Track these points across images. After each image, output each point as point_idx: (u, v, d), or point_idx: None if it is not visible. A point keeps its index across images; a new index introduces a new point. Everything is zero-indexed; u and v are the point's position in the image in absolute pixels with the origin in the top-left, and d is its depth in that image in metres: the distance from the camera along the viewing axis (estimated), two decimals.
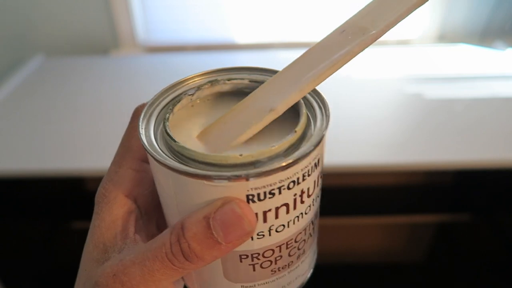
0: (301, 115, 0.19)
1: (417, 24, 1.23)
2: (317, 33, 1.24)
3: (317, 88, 0.21)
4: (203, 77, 0.23)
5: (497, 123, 0.81)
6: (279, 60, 1.09)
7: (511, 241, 0.95)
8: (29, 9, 1.17)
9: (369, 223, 1.19)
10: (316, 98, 0.21)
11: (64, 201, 1.06)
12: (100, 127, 0.81)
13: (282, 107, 0.19)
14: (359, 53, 0.19)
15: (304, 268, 0.23)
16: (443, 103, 0.89)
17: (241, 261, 0.20)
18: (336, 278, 1.17)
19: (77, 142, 0.78)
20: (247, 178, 0.16)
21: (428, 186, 1.12)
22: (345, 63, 0.19)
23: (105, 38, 1.23)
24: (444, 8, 1.19)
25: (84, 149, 0.76)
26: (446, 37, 1.23)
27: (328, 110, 0.20)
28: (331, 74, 0.19)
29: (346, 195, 1.07)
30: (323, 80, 0.19)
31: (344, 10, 1.20)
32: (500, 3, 1.18)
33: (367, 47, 0.19)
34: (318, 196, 0.21)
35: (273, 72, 0.23)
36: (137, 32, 1.22)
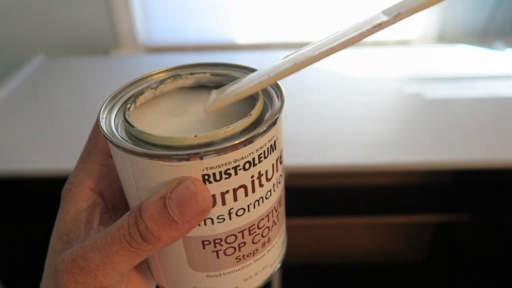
0: (258, 100, 0.20)
1: (417, 24, 1.23)
2: (317, 33, 1.24)
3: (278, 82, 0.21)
4: (166, 72, 0.23)
5: (497, 123, 0.81)
6: (279, 60, 1.10)
7: (511, 241, 0.95)
8: (30, 9, 1.17)
9: (369, 223, 1.19)
10: (275, 88, 0.21)
11: None
12: None
13: (277, 76, 0.19)
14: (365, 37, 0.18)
15: (272, 258, 0.23)
16: (443, 103, 0.89)
17: (204, 248, 0.20)
18: (336, 278, 1.17)
19: (77, 142, 0.78)
20: (201, 156, 0.17)
21: (428, 186, 1.12)
22: (346, 46, 0.18)
23: (106, 38, 1.23)
24: (443, 9, 1.19)
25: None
26: (445, 37, 1.24)
27: (283, 94, 0.20)
28: (329, 53, 0.19)
29: (346, 195, 1.07)
30: (321, 57, 0.19)
31: (344, 10, 1.20)
32: (499, 4, 1.18)
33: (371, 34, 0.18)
34: (279, 182, 0.21)
35: (237, 66, 0.23)
36: (138, 32, 1.23)
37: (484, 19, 1.20)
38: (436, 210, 1.10)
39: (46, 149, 0.77)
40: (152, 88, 0.22)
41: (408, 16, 0.17)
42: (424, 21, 1.22)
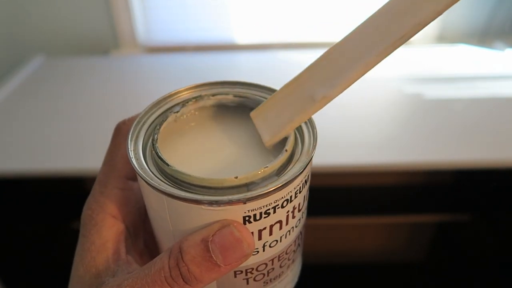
0: (290, 134, 0.19)
1: None
2: (317, 33, 1.24)
3: None
4: (187, 92, 0.23)
5: (497, 123, 0.81)
6: (279, 60, 1.10)
7: (511, 241, 0.95)
8: (30, 9, 1.17)
9: (369, 223, 1.19)
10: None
11: (64, 201, 1.06)
12: (100, 127, 0.81)
13: (338, 89, 0.17)
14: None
15: (293, 275, 0.24)
16: (443, 103, 0.89)
17: (235, 277, 0.20)
18: (336, 278, 1.17)
19: (77, 142, 0.78)
20: (244, 202, 0.17)
21: (428, 186, 1.12)
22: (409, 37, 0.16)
23: (106, 38, 1.23)
24: None
25: (84, 149, 0.76)
26: (445, 37, 1.24)
27: (315, 127, 0.20)
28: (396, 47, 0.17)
29: (346, 195, 1.07)
30: (388, 54, 0.17)
31: (344, 10, 1.20)
32: (499, 4, 1.18)
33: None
34: (306, 209, 0.21)
35: (257, 86, 0.23)
36: (138, 32, 1.23)
37: (484, 19, 1.20)
38: (436, 210, 1.10)
39: (46, 149, 0.77)
40: (175, 112, 0.21)
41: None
42: None
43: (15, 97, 0.96)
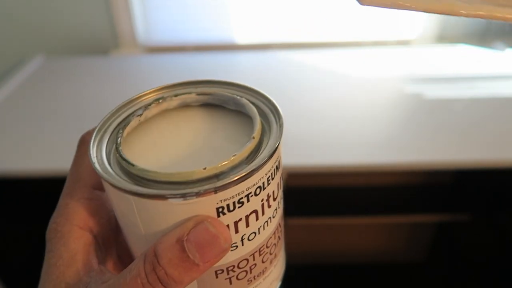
0: (255, 120, 0.19)
1: (417, 24, 1.23)
2: (317, 33, 1.24)
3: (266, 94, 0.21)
4: (150, 94, 0.22)
5: (497, 123, 0.81)
6: (279, 60, 1.10)
7: (511, 241, 0.95)
8: (30, 9, 1.17)
9: (369, 223, 1.19)
10: (269, 105, 0.21)
11: None
12: None
13: None
14: None
15: (278, 272, 0.23)
16: (443, 103, 0.89)
17: (217, 277, 0.19)
18: (336, 278, 1.17)
19: (77, 142, 0.78)
20: (214, 191, 0.16)
21: (428, 186, 1.12)
22: None
23: (106, 38, 1.23)
24: None
25: None
26: (445, 37, 1.23)
27: (280, 112, 0.20)
28: None
29: (346, 195, 1.07)
30: None
31: (344, 10, 1.20)
32: None
33: None
34: (281, 198, 0.21)
35: (222, 83, 0.23)
36: (137, 32, 1.23)
37: (484, 19, 1.20)
38: (436, 210, 1.10)
39: (46, 149, 0.77)
40: (137, 116, 0.21)
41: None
42: (424, 21, 1.22)
43: (15, 97, 0.96)
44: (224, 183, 0.16)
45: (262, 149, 0.18)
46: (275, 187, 0.19)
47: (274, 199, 0.19)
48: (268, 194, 0.19)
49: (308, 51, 1.16)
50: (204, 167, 0.17)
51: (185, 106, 0.22)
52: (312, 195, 1.05)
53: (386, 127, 0.82)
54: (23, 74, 1.05)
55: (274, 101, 0.21)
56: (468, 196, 1.08)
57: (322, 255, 1.24)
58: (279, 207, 0.20)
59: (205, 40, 1.25)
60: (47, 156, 0.75)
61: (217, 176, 0.17)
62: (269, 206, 0.19)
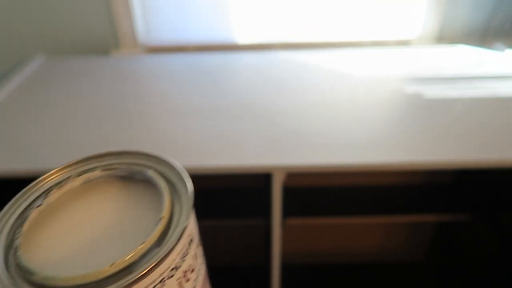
0: (163, 195, 0.18)
1: (417, 24, 1.23)
2: (317, 33, 1.24)
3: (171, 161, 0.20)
4: (52, 177, 0.21)
5: (497, 123, 0.81)
6: (279, 60, 1.10)
7: (511, 241, 0.95)
8: (30, 9, 1.17)
9: (369, 223, 1.19)
10: (172, 169, 0.20)
11: None
12: (101, 127, 0.81)
13: None
14: None
15: None
16: (443, 103, 0.89)
17: None
18: (336, 278, 1.17)
19: (77, 142, 0.79)
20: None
21: (428, 186, 1.12)
22: None
23: (106, 38, 1.23)
24: (443, 9, 1.19)
25: (85, 149, 0.76)
26: (445, 37, 1.24)
27: (187, 182, 0.19)
28: None
29: (346, 195, 1.07)
30: None
31: (344, 10, 1.20)
32: (500, 4, 1.18)
33: None
34: (202, 263, 0.20)
35: (128, 153, 0.22)
36: (138, 33, 1.23)
37: (484, 19, 1.20)
38: (436, 210, 1.10)
39: (46, 149, 0.77)
40: (37, 207, 0.19)
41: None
42: (424, 21, 1.22)
43: (15, 97, 0.96)
44: (134, 278, 0.15)
45: (173, 227, 0.17)
46: (191, 260, 0.18)
47: (192, 271, 0.18)
48: (184, 270, 0.17)
49: (309, 51, 1.17)
50: (111, 263, 0.15)
51: (90, 183, 0.21)
52: (312, 195, 1.05)
53: (386, 127, 0.82)
54: (23, 74, 1.05)
55: (180, 170, 0.20)
56: (468, 196, 1.08)
57: (322, 255, 1.24)
58: (200, 274, 0.20)
59: (205, 40, 1.25)
60: (47, 156, 0.75)
61: (127, 268, 0.16)
62: (187, 280, 0.18)
